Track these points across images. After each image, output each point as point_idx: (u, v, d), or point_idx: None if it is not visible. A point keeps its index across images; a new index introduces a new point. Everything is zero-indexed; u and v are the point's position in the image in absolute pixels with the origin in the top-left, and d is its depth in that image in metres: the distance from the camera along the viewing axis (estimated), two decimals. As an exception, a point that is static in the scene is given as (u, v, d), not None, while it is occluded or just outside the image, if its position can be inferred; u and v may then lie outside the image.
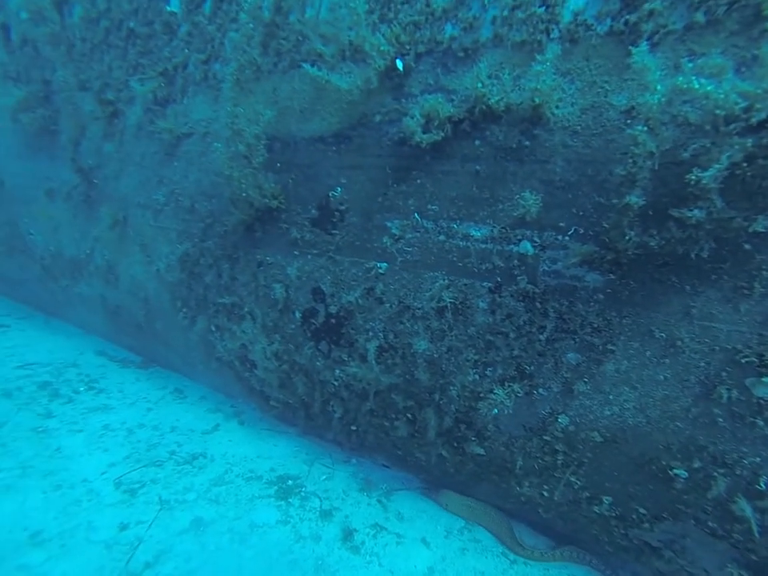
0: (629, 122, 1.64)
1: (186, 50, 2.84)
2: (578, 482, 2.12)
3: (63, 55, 3.29)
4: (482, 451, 2.30)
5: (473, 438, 2.27)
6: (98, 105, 3.32)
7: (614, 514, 2.10)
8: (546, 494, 2.25)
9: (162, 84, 2.97)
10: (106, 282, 3.82)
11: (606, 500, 2.08)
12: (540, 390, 2.02)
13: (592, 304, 1.83)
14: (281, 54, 2.38)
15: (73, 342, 4.75)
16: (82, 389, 3.82)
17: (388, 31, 1.99)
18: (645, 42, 1.57)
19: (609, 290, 1.79)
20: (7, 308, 5.54)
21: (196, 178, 2.85)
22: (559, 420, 2.02)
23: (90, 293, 4.10)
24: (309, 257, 2.39)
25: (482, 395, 2.09)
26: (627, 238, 1.62)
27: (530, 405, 2.06)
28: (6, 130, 3.98)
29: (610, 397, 1.90)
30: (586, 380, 1.92)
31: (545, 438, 2.09)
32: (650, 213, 1.60)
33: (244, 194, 2.27)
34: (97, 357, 4.41)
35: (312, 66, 2.15)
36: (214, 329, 3.01)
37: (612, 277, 1.77)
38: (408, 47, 2.01)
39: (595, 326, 1.84)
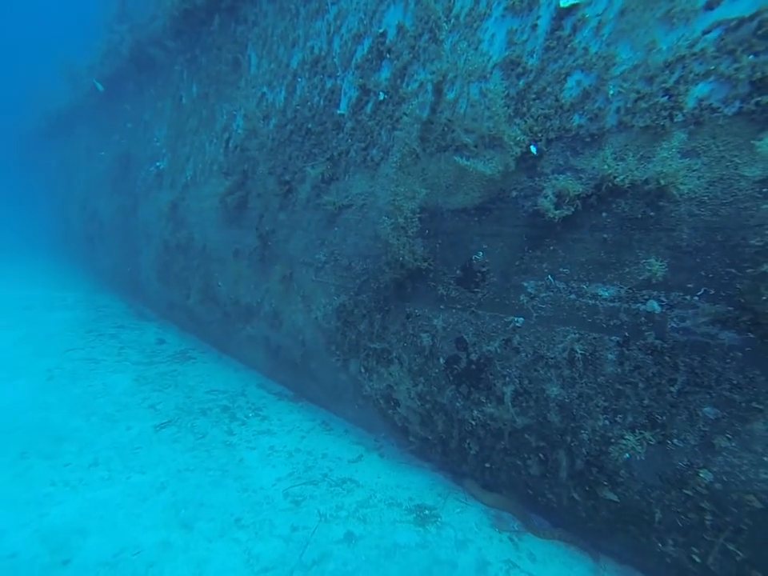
0: (765, 190, 1.78)
1: (349, 140, 3.55)
2: (740, 553, 2.03)
3: (262, 153, 4.26)
4: (615, 497, 2.38)
5: (605, 483, 2.38)
6: (278, 185, 4.19)
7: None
8: (697, 558, 2.18)
9: (329, 167, 3.71)
10: (271, 326, 4.61)
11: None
12: (675, 441, 2.11)
13: (729, 361, 1.92)
14: (431, 141, 2.92)
15: (240, 375, 5.68)
16: (251, 415, 4.59)
17: (522, 123, 2.39)
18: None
19: (748, 348, 1.87)
20: (194, 344, 6.81)
21: (353, 241, 3.46)
22: (701, 475, 2.06)
23: (256, 334, 4.96)
24: (453, 311, 2.80)
25: (612, 440, 2.24)
26: (765, 299, 1.73)
27: (664, 455, 2.15)
28: (213, 209, 5.14)
29: (765, 459, 1.88)
30: (729, 436, 1.97)
31: (685, 491, 2.12)
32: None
33: (400, 258, 2.78)
34: (258, 389, 5.22)
35: (456, 152, 2.64)
36: (363, 370, 3.52)
37: (751, 336, 1.86)
38: (540, 135, 2.39)
39: (735, 382, 1.92)
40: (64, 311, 8.82)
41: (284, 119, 4.22)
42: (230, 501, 3.20)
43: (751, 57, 1.75)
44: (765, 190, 1.75)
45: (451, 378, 2.88)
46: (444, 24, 2.81)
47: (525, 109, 2.43)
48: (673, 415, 2.08)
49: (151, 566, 2.58)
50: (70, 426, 4.17)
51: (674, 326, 2.01)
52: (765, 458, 1.88)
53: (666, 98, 1.99)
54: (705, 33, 1.87)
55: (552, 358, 2.38)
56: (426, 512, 3.22)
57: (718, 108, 1.88)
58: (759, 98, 1.76)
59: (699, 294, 1.95)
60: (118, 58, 7.45)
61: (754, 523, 1.96)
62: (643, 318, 2.09)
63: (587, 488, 2.48)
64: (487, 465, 2.95)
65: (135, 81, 7.74)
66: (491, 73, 2.60)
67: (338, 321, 3.66)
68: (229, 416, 4.48)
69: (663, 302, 2.04)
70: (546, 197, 2.22)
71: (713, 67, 1.86)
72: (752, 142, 1.76)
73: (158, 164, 7.34)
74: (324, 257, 3.72)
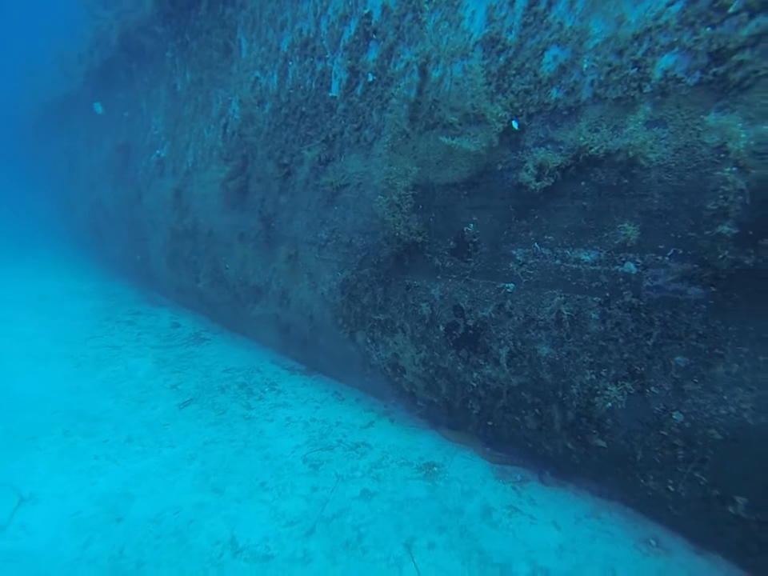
0: (721, 156, 1.93)
1: (343, 122, 3.67)
2: (703, 479, 2.29)
3: (259, 138, 4.38)
4: (603, 444, 2.61)
5: (594, 431, 2.61)
6: (277, 168, 4.33)
7: (753, 518, 2.18)
8: (671, 488, 2.45)
9: (325, 148, 3.84)
10: (280, 304, 4.83)
11: (741, 501, 2.19)
12: (652, 389, 2.31)
13: (695, 313, 2.11)
14: (419, 120, 3.04)
15: (253, 353, 5.94)
16: (266, 389, 4.86)
17: (504, 100, 2.51)
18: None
19: (711, 302, 2.06)
20: (207, 326, 7.08)
21: (352, 219, 3.62)
22: (674, 416, 2.28)
23: (266, 313, 5.18)
24: (449, 280, 2.98)
25: (598, 392, 2.45)
26: (721, 257, 1.91)
27: (643, 402, 2.36)
28: (215, 194, 5.29)
29: (724, 397, 2.13)
30: (696, 381, 2.18)
31: (662, 432, 2.35)
32: (743, 238, 1.87)
33: (397, 234, 2.95)
34: (272, 365, 5.48)
35: (443, 129, 2.77)
36: (369, 341, 3.74)
37: (713, 289, 2.04)
38: (521, 110, 2.51)
39: (700, 332, 2.12)
40: (80, 300, 9.09)
41: (278, 103, 4.33)
42: (254, 468, 3.49)
43: (708, 29, 1.86)
44: (721, 155, 1.89)
45: (451, 344, 3.09)
46: (425, 4, 2.90)
47: (506, 85, 2.55)
48: (649, 366, 2.29)
49: (191, 522, 2.88)
50: (102, 407, 4.47)
51: (649, 284, 2.19)
52: (724, 397, 2.09)
53: (636, 69, 2.10)
54: (668, 5, 1.97)
55: (542, 320, 2.57)
56: (435, 469, 3.49)
57: (682, 79, 1.99)
58: (716, 69, 1.88)
59: (669, 254, 2.11)
60: (107, 46, 7.47)
61: (715, 452, 2.22)
62: (621, 279, 2.26)
63: (579, 437, 2.71)
64: (489, 423, 3.19)
65: (126, 69, 7.77)
66: (473, 50, 2.71)
67: (342, 295, 3.86)
68: (246, 392, 4.75)
69: (638, 263, 2.21)
70: (527, 170, 2.37)
71: (676, 39, 1.97)
72: (702, 117, 1.89)
73: (158, 152, 7.45)
74: (326, 235, 3.90)
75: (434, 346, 3.23)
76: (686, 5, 1.93)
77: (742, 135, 1.78)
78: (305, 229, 4.12)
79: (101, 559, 2.61)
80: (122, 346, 6.45)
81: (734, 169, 1.81)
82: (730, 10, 1.84)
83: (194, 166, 6.20)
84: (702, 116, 1.96)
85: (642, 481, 2.58)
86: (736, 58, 1.86)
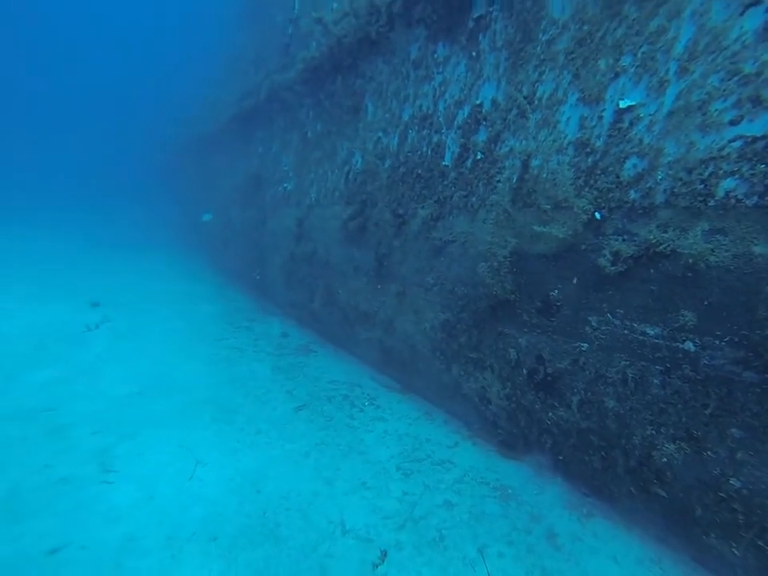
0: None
1: (453, 188, 4.38)
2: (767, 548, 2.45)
3: (379, 189, 5.26)
4: (663, 494, 2.98)
5: (654, 480, 3.02)
6: (393, 217, 5.15)
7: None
8: (736, 551, 2.59)
9: (436, 208, 4.58)
10: (385, 331, 5.62)
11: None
12: (709, 453, 2.68)
13: (749, 394, 2.48)
14: (519, 200, 3.67)
15: (354, 368, 6.76)
16: (366, 403, 5.64)
17: (589, 194, 3.07)
18: None
19: (765, 386, 2.42)
20: (312, 338, 8.11)
21: (456, 270, 4.31)
22: (731, 482, 2.59)
23: (371, 336, 6.01)
24: (534, 333, 3.56)
25: (657, 446, 2.89)
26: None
27: (700, 462, 2.71)
28: (335, 229, 6.28)
29: None
30: (751, 453, 2.51)
31: (720, 494, 2.61)
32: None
33: (493, 291, 3.59)
34: (371, 381, 6.26)
35: (537, 210, 3.38)
36: (462, 373, 4.39)
37: (766, 377, 2.41)
38: (603, 204, 3.05)
39: (754, 411, 2.47)
40: (206, 304, 10.59)
41: (397, 162, 5.16)
42: (356, 469, 4.26)
43: (763, 166, 2.31)
44: (771, 269, 2.30)
45: (532, 386, 3.64)
46: (528, 106, 3.53)
47: (592, 182, 3.10)
48: (706, 432, 2.67)
49: (310, 504, 3.71)
50: (235, 401, 5.52)
51: (706, 362, 2.61)
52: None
53: (702, 186, 2.57)
54: (730, 141, 2.44)
55: (610, 378, 3.07)
56: (509, 491, 4.01)
57: (741, 200, 2.43)
58: (770, 198, 2.31)
59: (725, 340, 2.53)
60: (255, 98, 8.92)
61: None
62: (681, 354, 2.71)
63: (641, 484, 3.11)
64: (560, 457, 3.68)
65: (267, 114, 9.17)
66: (566, 149, 3.29)
67: (442, 333, 4.55)
68: (349, 403, 5.58)
69: (697, 343, 2.64)
70: (604, 256, 2.90)
71: (737, 168, 2.42)
72: (758, 231, 2.33)
73: (285, 185, 8.71)
74: (432, 280, 4.62)
75: (517, 385, 3.80)
76: (745, 144, 2.39)
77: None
78: (413, 272, 4.88)
79: (253, 516, 3.52)
80: (244, 350, 7.63)
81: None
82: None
83: (316, 202, 7.27)
84: (758, 231, 2.40)
85: (705, 537, 2.77)
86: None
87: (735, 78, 2.43)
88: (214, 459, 4.22)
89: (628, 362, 2.94)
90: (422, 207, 4.67)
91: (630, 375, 2.93)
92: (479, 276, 3.74)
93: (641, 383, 2.90)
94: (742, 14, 2.42)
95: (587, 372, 3.21)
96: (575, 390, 3.31)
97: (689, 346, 2.66)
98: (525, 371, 3.68)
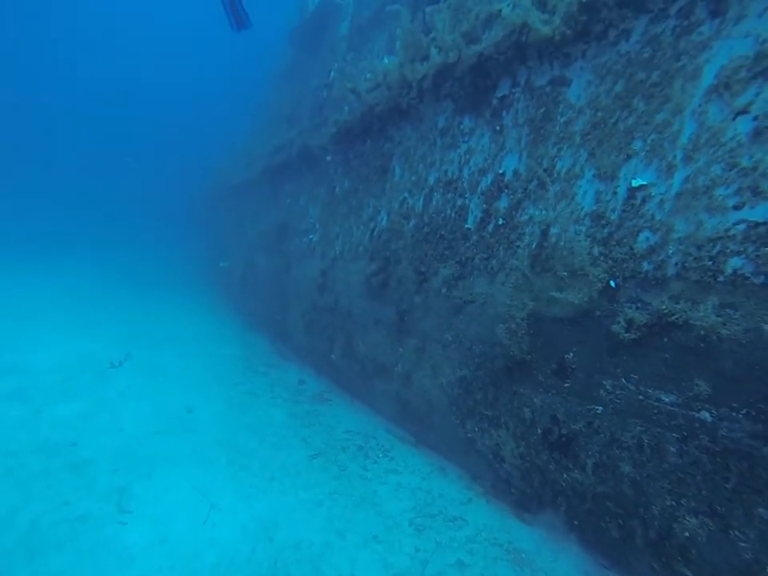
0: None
1: (475, 250, 4.62)
2: None
3: (403, 247, 5.53)
4: (690, 573, 2.84)
5: (678, 558, 2.94)
6: (415, 274, 5.38)
7: None
8: None
9: (458, 268, 4.80)
10: (402, 384, 5.72)
11: None
12: (736, 533, 2.56)
13: (773, 473, 2.51)
14: (537, 265, 3.87)
15: (369, 419, 6.78)
16: (380, 455, 5.66)
17: (605, 264, 3.26)
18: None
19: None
20: (328, 386, 8.20)
21: (475, 329, 4.46)
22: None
23: (388, 389, 6.10)
24: (549, 394, 3.65)
25: (678, 518, 2.87)
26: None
27: (728, 543, 2.60)
28: (358, 283, 6.54)
29: None
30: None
31: None
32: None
33: (510, 352, 3.73)
34: (386, 433, 6.28)
35: (555, 275, 3.56)
36: (477, 429, 4.44)
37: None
38: (617, 273, 3.23)
39: (781, 493, 2.48)
40: (226, 347, 10.80)
41: (421, 222, 5.45)
42: (369, 521, 4.26)
43: (767, 249, 2.48)
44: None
45: (546, 446, 3.69)
46: (547, 178, 3.80)
47: (607, 252, 3.30)
48: (730, 509, 2.64)
49: (321, 556, 3.72)
50: (250, 446, 5.60)
51: (724, 434, 2.67)
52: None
53: (711, 262, 2.74)
54: (735, 224, 2.63)
55: (625, 442, 3.12)
56: (523, 555, 3.96)
57: (749, 278, 2.59)
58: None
59: (743, 413, 2.60)
60: (287, 152, 9.51)
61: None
62: (697, 424, 2.78)
63: (663, 559, 3.02)
64: (575, 522, 3.66)
65: (297, 168, 9.72)
66: (583, 220, 3.51)
67: (459, 388, 4.65)
68: (363, 454, 5.60)
69: (714, 413, 2.71)
70: (618, 323, 3.04)
71: (743, 249, 2.59)
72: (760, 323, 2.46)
73: (310, 236, 9.08)
74: (451, 337, 4.77)
75: (532, 444, 3.84)
76: (748, 227, 2.57)
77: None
78: (433, 328, 5.04)
79: (264, 564, 3.55)
80: (261, 395, 7.74)
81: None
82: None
83: (340, 255, 7.58)
84: (767, 309, 2.53)
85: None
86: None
87: (735, 170, 2.66)
88: (227, 503, 4.28)
89: (643, 428, 3.01)
90: (444, 267, 4.89)
91: (646, 441, 2.99)
92: (497, 336, 3.89)
93: (657, 450, 2.95)
94: (734, 119, 2.68)
95: (602, 435, 3.27)
96: (590, 453, 3.36)
97: (705, 415, 2.73)
98: (539, 430, 3.74)
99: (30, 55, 54.43)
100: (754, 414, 2.54)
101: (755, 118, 2.59)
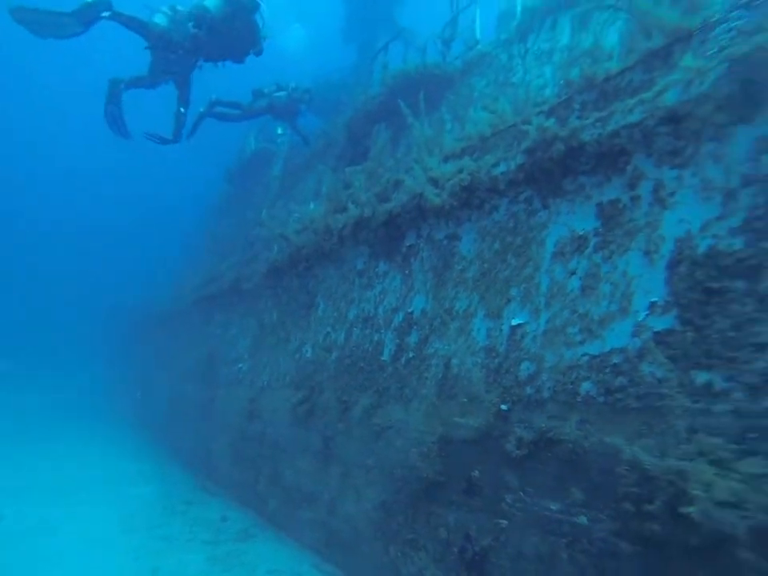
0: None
1: (390, 380, 5.15)
2: None
3: (327, 378, 5.97)
4: None
5: None
6: (338, 403, 5.76)
7: None
8: None
9: (376, 397, 5.26)
10: (329, 512, 5.75)
11: None
12: None
13: (632, 566, 2.99)
14: (444, 394, 4.44)
15: (296, 554, 6.54)
16: (308, 594, 5.46)
17: (496, 390, 3.90)
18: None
19: (640, 559, 2.96)
20: (254, 520, 7.81)
21: (394, 455, 4.80)
22: None
23: (316, 517, 6.06)
24: (461, 512, 3.99)
25: (573, 621, 3.19)
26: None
27: None
28: (285, 411, 6.75)
29: None
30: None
31: None
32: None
33: (424, 474, 4.10)
34: (312, 569, 6.09)
35: (459, 402, 4.14)
36: (400, 555, 4.56)
37: (638, 548, 2.97)
38: (507, 398, 3.86)
39: None
40: (142, 486, 10.05)
41: (343, 355, 5.97)
42: None
43: (601, 375, 3.24)
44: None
45: (463, 566, 3.92)
46: (448, 316, 4.56)
47: (498, 379, 3.96)
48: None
49: None
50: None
51: (596, 536, 3.14)
52: None
53: (572, 386, 3.45)
54: (582, 356, 3.41)
55: (527, 554, 3.48)
56: None
57: (595, 398, 3.30)
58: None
59: (606, 513, 3.12)
60: (218, 286, 10.02)
61: None
62: (578, 528, 3.23)
63: None
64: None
65: (228, 301, 10.17)
66: (478, 353, 4.21)
67: (382, 512, 4.82)
68: (290, 595, 5.37)
69: (589, 516, 3.20)
70: (510, 442, 3.59)
71: (589, 375, 3.34)
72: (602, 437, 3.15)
73: (240, 365, 9.26)
74: (372, 462, 5.06)
75: (451, 566, 4.05)
76: (590, 358, 3.36)
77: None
78: (356, 453, 5.31)
79: None
80: (176, 539, 7.24)
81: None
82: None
83: (268, 384, 7.81)
84: (605, 423, 3.20)
85: None
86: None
87: (576, 315, 3.52)
88: None
89: (539, 537, 3.41)
90: (364, 396, 5.35)
91: (543, 550, 3.37)
92: (412, 460, 4.27)
93: (552, 559, 3.33)
94: (570, 278, 3.65)
95: (509, 549, 3.61)
96: (502, 569, 3.65)
97: (582, 519, 3.22)
98: (456, 549, 4.00)
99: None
100: (613, 514, 3.05)
101: (580, 278, 3.53)
